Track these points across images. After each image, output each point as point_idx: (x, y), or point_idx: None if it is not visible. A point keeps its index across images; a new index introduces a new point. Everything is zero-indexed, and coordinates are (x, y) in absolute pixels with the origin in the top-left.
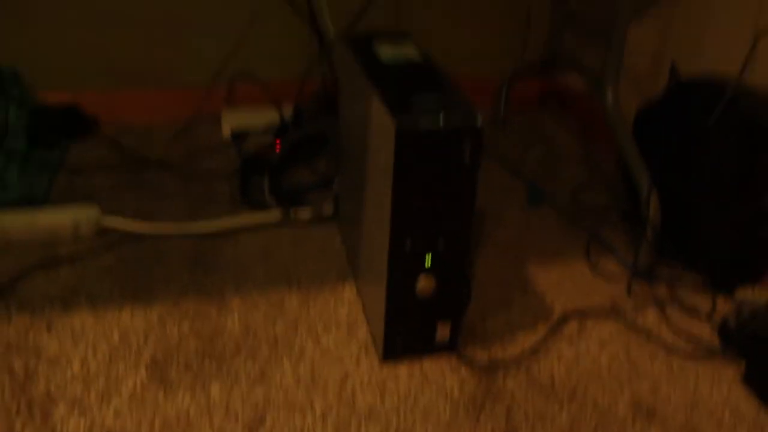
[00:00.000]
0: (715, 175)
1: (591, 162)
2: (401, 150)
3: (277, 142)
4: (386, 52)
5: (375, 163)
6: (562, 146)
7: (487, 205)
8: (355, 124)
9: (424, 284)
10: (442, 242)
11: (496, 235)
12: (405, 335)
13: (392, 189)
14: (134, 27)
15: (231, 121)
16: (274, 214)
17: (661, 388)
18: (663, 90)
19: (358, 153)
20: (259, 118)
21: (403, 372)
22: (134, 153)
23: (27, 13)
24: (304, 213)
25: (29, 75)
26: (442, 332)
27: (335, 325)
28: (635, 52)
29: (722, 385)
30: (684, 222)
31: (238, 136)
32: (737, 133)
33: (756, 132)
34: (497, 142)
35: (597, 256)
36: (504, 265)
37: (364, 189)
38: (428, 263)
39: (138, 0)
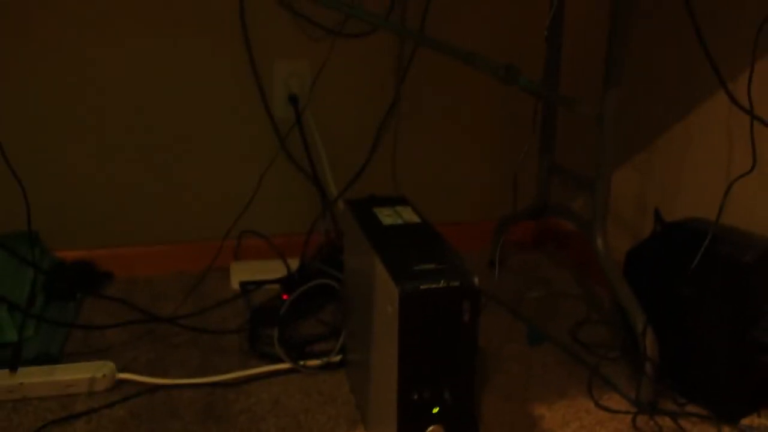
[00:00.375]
0: (705, 310)
1: (588, 298)
2: (405, 314)
3: (284, 295)
4: (386, 216)
5: (380, 321)
6: (559, 284)
7: (488, 346)
8: (360, 282)
9: None
10: (448, 395)
11: (499, 375)
12: None
13: (398, 349)
14: (146, 187)
15: (239, 274)
16: (284, 365)
17: None
18: (649, 233)
19: (363, 308)
20: (266, 270)
21: None
22: (146, 306)
23: (43, 177)
24: (313, 363)
25: (47, 235)
26: None
27: None
28: (620, 198)
29: None
30: (682, 355)
31: (247, 289)
32: (721, 272)
33: (737, 269)
34: (495, 283)
35: (600, 392)
36: (509, 405)
37: (370, 342)
38: (436, 413)
39: (149, 162)
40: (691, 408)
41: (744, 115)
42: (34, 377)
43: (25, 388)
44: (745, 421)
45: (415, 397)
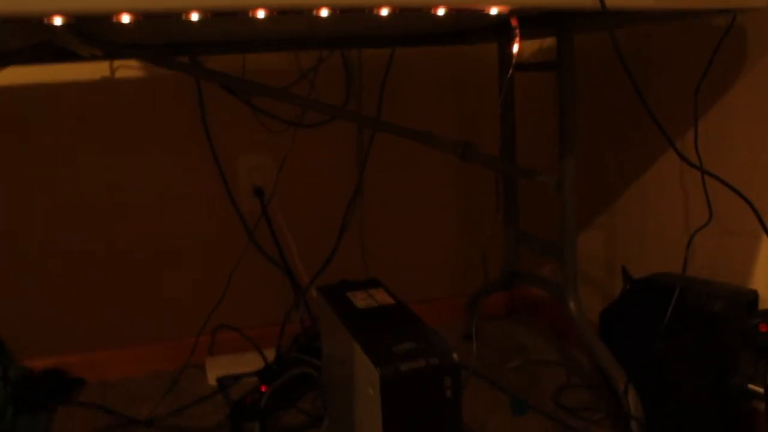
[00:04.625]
0: (683, 363)
1: (567, 363)
2: (387, 396)
3: (263, 387)
4: (360, 299)
5: (362, 405)
6: (536, 352)
7: (473, 421)
8: (339, 367)
9: None
10: None
11: None
12: None
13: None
14: (116, 290)
15: (216, 370)
16: None
17: None
18: (620, 291)
19: (345, 393)
20: (242, 363)
21: None
22: (122, 410)
23: (9, 284)
24: None
25: (13, 344)
26: None
27: None
28: (588, 259)
29: None
30: (667, 410)
31: (224, 384)
32: (693, 323)
33: (708, 319)
34: (474, 356)
35: None
36: None
37: (353, 428)
38: None
39: (118, 265)
40: None
41: (695, 172)
42: None
43: None
44: None
45: None
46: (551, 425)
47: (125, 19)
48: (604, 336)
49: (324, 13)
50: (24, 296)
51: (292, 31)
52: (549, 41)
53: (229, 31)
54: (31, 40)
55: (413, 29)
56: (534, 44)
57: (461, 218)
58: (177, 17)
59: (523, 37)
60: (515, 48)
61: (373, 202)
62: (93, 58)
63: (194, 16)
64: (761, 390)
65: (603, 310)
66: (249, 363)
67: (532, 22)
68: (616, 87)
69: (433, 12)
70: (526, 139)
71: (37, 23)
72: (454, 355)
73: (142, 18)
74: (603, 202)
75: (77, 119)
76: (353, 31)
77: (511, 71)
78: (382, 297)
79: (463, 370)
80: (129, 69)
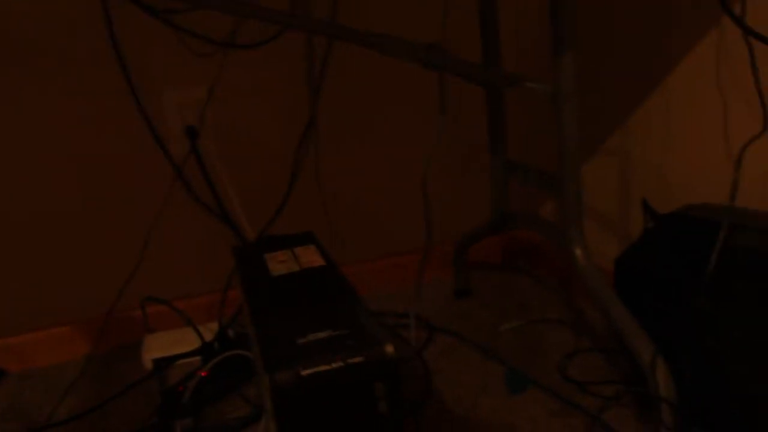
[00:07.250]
0: (731, 327)
1: (575, 322)
2: (283, 410)
3: (203, 371)
4: (279, 263)
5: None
6: (538, 308)
7: (457, 405)
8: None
9: None
10: None
11: None
12: None
13: None
14: (37, 265)
15: (153, 350)
16: None
17: None
18: (641, 232)
19: (263, 387)
20: (188, 341)
21: None
22: (40, 408)
23: None
24: None
25: None
26: None
27: None
28: (598, 194)
29: None
30: (708, 388)
31: (160, 367)
32: (747, 272)
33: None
34: (464, 315)
35: None
36: None
37: None
38: None
39: (33, 235)
40: None
41: (738, 68)
42: None
43: None
44: None
45: None
46: (558, 406)
47: None
48: (622, 290)
49: None
50: None
51: None
52: None
53: None
54: None
55: None
56: None
57: (444, 153)
58: None
59: None
60: None
61: (330, 137)
62: None
63: None
64: None
65: (619, 256)
66: (193, 341)
67: None
68: None
69: None
70: (519, 44)
71: None
72: (389, 347)
73: None
74: (615, 119)
75: None
76: None
77: None
78: (309, 258)
79: (452, 337)
80: None
